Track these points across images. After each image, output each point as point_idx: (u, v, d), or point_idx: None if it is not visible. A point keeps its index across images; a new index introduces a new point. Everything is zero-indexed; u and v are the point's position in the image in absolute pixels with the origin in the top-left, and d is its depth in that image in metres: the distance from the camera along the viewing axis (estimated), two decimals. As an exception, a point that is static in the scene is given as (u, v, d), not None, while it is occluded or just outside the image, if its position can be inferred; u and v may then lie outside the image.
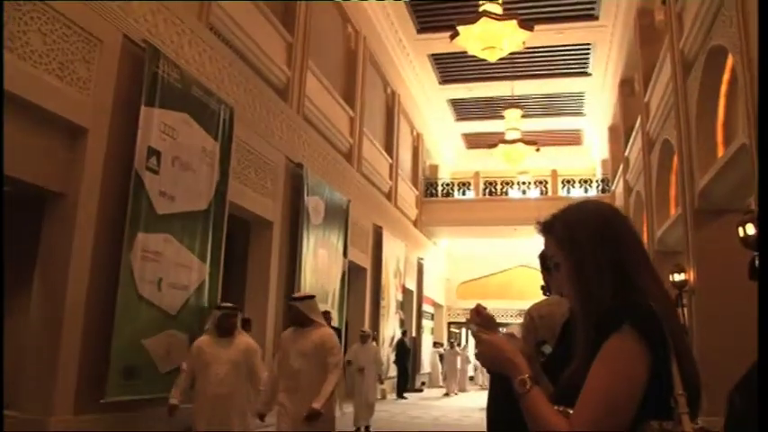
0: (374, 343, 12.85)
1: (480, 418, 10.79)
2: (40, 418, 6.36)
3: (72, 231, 6.75)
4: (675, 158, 12.03)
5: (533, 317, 3.06)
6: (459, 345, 24.99)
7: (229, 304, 6.41)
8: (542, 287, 3.51)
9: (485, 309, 1.80)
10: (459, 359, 21.71)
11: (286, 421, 5.07)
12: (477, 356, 1.54)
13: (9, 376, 7.15)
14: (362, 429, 10.49)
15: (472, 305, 1.58)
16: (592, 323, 1.36)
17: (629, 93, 18.48)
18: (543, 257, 3.39)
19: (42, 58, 6.34)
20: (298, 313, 5.28)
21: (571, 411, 1.29)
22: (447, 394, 19.55)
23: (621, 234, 1.47)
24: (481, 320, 1.66)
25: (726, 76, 9.37)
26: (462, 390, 21.42)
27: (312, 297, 5.60)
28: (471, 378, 23.68)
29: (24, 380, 6.65)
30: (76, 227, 6.77)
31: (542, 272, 3.40)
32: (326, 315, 9.35)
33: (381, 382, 13.87)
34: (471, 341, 27.37)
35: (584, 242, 1.44)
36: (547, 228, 1.56)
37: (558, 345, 1.77)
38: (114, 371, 6.89)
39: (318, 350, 5.13)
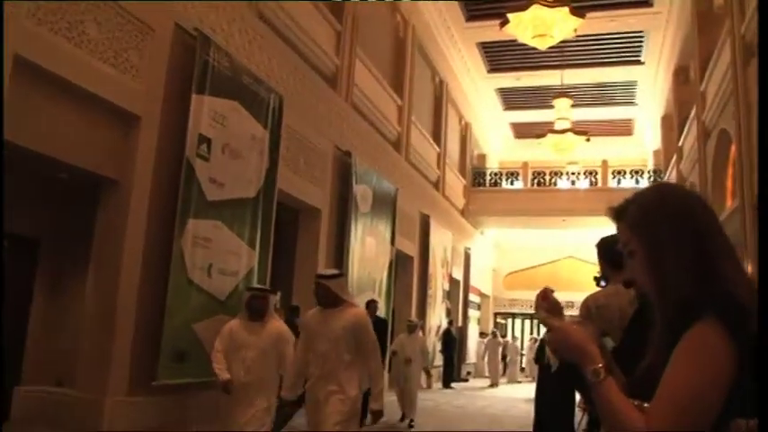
0: (421, 333, 12.50)
1: (526, 410, 10.70)
2: (95, 398, 6.51)
3: (126, 218, 6.87)
4: (733, 149, 11.68)
5: (590, 308, 2.99)
6: (504, 335, 24.84)
7: (260, 286, 6.26)
8: (595, 278, 3.42)
9: (552, 292, 1.73)
10: (500, 349, 21.51)
11: (313, 409, 4.66)
12: (549, 343, 1.47)
13: (66, 356, 7.38)
14: (407, 421, 10.32)
15: (519, 296, 1.51)
16: (671, 313, 1.28)
17: (684, 81, 18.00)
18: (601, 246, 3.32)
19: (98, 46, 6.44)
20: (327, 292, 4.73)
21: (646, 405, 1.22)
22: (492, 385, 19.43)
23: (702, 218, 1.37)
24: (549, 306, 1.61)
25: (789, 63, 9.03)
26: (513, 381, 21.22)
27: (342, 275, 5.18)
28: (522, 369, 23.47)
29: (81, 361, 6.82)
30: (130, 213, 6.89)
31: (600, 262, 3.32)
32: (373, 303, 9.34)
33: (428, 373, 13.74)
34: (520, 331, 27.17)
35: (661, 226, 1.35)
36: (619, 213, 1.46)
37: (627, 337, 1.69)
38: (165, 354, 7.01)
39: (351, 332, 4.63)
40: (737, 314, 1.20)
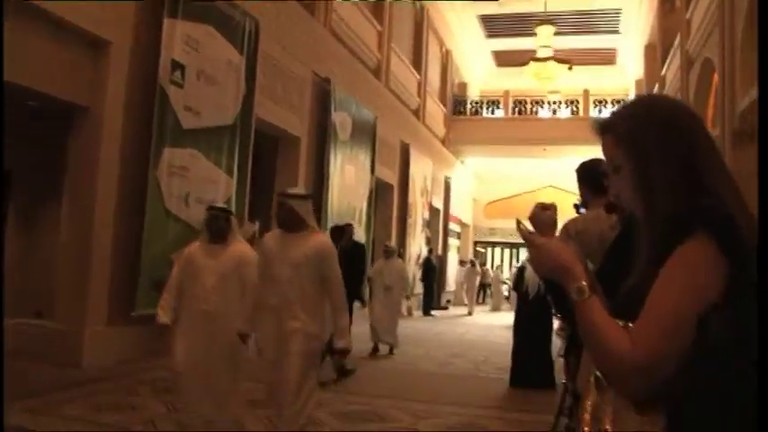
0: (400, 259, 11.66)
1: (504, 336, 10.88)
2: (73, 329, 6.50)
3: (98, 146, 6.72)
4: (715, 78, 11.60)
5: (570, 233, 2.95)
6: (483, 264, 25.08)
7: (221, 205, 5.32)
8: (575, 205, 3.39)
9: (549, 209, 1.66)
10: (477, 278, 21.72)
11: (268, 344, 4.06)
12: (530, 261, 1.40)
13: (42, 286, 7.32)
14: (387, 349, 9.69)
15: (499, 225, 1.42)
16: (658, 230, 1.22)
17: (670, 10, 17.72)
18: (582, 170, 3.27)
19: (63, -34, 6.16)
20: (290, 213, 4.09)
21: (631, 325, 1.16)
22: (468, 313, 19.67)
23: (693, 130, 1.28)
24: (538, 223, 1.53)
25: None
26: (497, 309, 21.45)
27: (310, 197, 4.42)
28: (507, 298, 23.85)
29: (59, 293, 6.77)
30: (102, 142, 6.74)
31: (580, 186, 3.28)
32: (349, 228, 9.14)
33: (408, 299, 13.45)
34: (500, 260, 27.50)
35: (649, 138, 1.27)
36: (605, 126, 1.37)
37: (607, 261, 1.62)
38: (143, 284, 6.98)
39: (314, 261, 4.03)
40: (728, 229, 1.14)
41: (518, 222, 1.45)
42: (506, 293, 23.65)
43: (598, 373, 1.23)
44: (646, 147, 1.27)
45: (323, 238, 4.32)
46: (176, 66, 7.47)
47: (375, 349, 9.63)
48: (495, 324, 15.74)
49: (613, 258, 1.47)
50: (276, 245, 4.15)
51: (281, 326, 3.97)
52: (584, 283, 1.23)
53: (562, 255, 1.30)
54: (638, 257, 1.27)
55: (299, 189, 4.94)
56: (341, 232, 8.42)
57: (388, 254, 10.72)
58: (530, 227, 1.42)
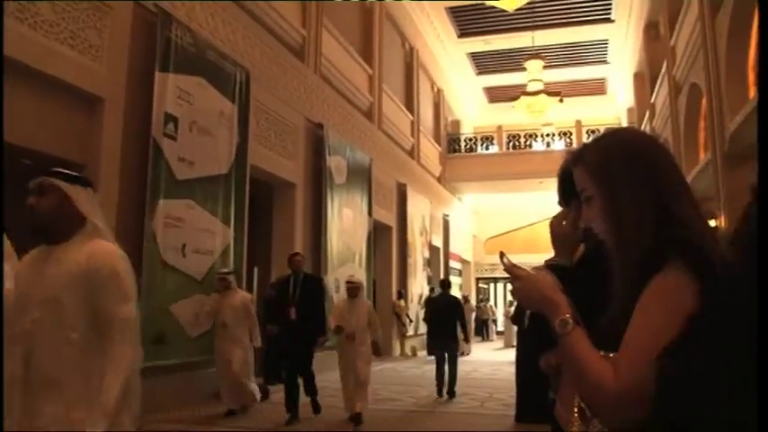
0: (369, 301, 8.80)
1: (511, 373, 10.76)
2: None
3: (94, 201, 6.73)
4: (704, 102, 11.71)
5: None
6: (485, 300, 24.98)
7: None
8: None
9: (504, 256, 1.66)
10: (473, 315, 21.59)
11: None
12: (513, 293, 1.40)
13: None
14: (356, 413, 7.23)
15: (499, 260, 1.42)
16: (631, 261, 1.23)
17: (655, 37, 17.97)
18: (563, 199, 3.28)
19: (53, 27, 6.26)
20: (50, 206, 2.47)
21: (612, 355, 1.17)
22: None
23: (661, 161, 1.31)
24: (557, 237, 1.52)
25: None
26: (509, 345, 21.06)
27: (85, 181, 2.58)
28: (499, 333, 23.67)
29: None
30: (98, 196, 6.75)
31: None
32: (296, 257, 7.76)
33: (379, 354, 8.39)
34: (502, 295, 27.37)
35: (618, 169, 1.29)
36: (577, 157, 1.40)
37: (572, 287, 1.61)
38: (143, 338, 6.92)
39: (81, 286, 2.29)
40: (700, 257, 1.16)
41: (501, 254, 1.46)
42: (499, 328, 23.55)
43: (582, 404, 1.23)
44: (616, 178, 1.30)
45: (104, 246, 2.45)
46: (169, 118, 7.55)
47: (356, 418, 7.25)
48: (499, 360, 15.58)
49: (577, 286, 1.47)
50: (29, 270, 2.44)
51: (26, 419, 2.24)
52: (567, 315, 1.24)
53: (546, 287, 1.30)
54: (611, 287, 1.28)
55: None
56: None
57: (352, 291, 7.71)
58: (512, 259, 1.43)
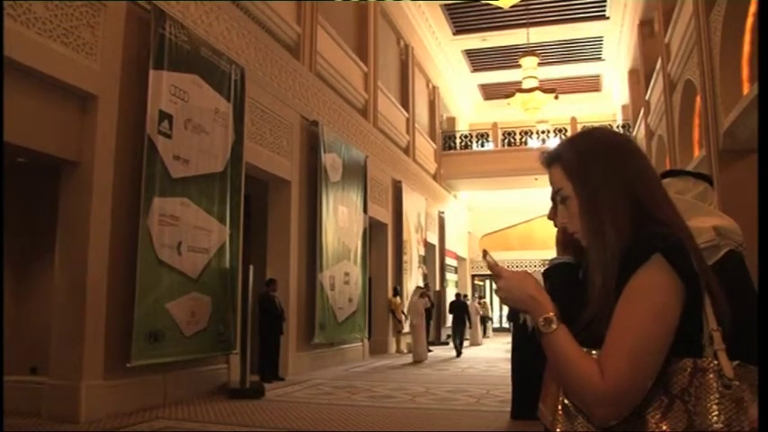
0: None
1: (505, 369, 10.77)
2: (70, 383, 6.43)
3: (89, 199, 6.73)
4: (698, 99, 11.73)
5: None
6: (482, 297, 24.96)
7: None
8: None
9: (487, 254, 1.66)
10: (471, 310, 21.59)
11: None
12: (497, 293, 1.41)
13: (37, 342, 7.27)
14: None
15: (496, 257, 1.41)
16: (609, 260, 1.23)
17: (649, 34, 18.01)
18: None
19: (46, 24, 6.24)
20: None
21: (595, 353, 1.17)
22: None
23: (637, 161, 1.32)
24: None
25: (752, 8, 9.05)
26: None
27: None
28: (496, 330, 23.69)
29: (53, 348, 6.72)
30: (93, 194, 6.75)
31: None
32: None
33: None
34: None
35: (595, 168, 1.30)
36: (553, 157, 1.40)
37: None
38: (139, 335, 6.94)
39: None
40: (682, 255, 1.17)
41: (484, 252, 1.46)
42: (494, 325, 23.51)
43: (566, 401, 1.24)
44: (593, 177, 1.30)
45: None
46: (164, 116, 7.53)
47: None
48: (494, 357, 15.61)
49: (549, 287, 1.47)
50: None
51: None
52: (551, 313, 1.24)
53: (529, 285, 1.30)
54: (589, 286, 1.28)
55: None
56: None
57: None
58: (495, 257, 1.43)
